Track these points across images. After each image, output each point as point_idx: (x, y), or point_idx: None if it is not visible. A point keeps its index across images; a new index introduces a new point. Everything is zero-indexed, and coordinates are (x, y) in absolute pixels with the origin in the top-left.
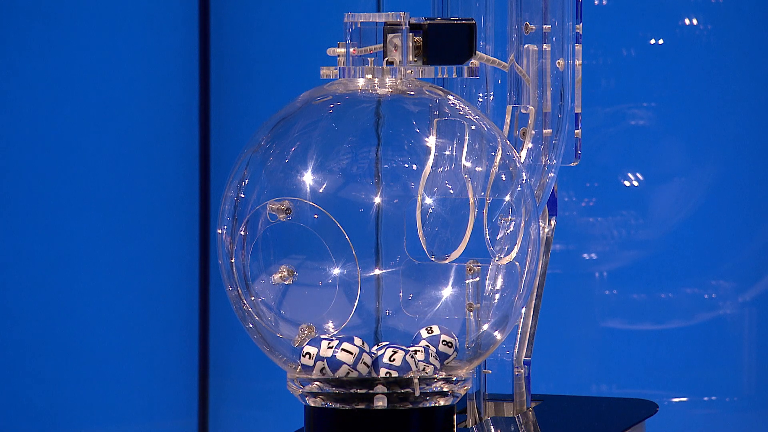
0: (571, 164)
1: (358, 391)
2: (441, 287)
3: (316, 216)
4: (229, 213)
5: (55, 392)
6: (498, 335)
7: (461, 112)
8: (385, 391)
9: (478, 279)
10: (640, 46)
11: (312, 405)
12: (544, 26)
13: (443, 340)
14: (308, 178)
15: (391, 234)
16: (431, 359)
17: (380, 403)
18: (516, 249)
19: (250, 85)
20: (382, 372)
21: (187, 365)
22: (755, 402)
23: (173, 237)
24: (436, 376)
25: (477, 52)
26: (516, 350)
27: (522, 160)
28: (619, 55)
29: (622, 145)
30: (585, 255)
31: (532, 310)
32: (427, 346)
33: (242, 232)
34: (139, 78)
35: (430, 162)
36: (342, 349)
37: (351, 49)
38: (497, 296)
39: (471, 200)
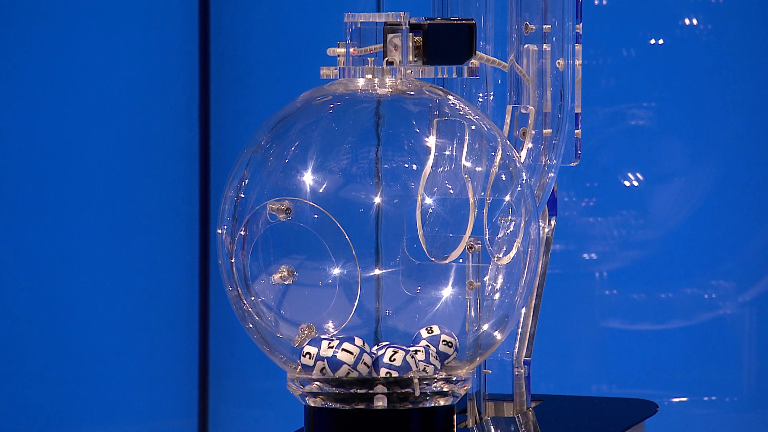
0: (571, 164)
1: (358, 391)
2: (441, 287)
3: (316, 216)
4: (229, 213)
5: (55, 392)
6: (498, 335)
7: (461, 112)
8: (385, 391)
9: (478, 284)
10: (640, 46)
11: (312, 405)
12: (544, 26)
13: (443, 340)
14: (308, 178)
15: (391, 234)
16: (432, 359)
17: (380, 403)
18: (516, 249)
19: (250, 85)
20: (382, 372)
21: (187, 365)
22: (755, 402)
23: (173, 237)
24: (436, 376)
25: (477, 52)
26: (516, 350)
27: (522, 160)
28: (619, 55)
29: (622, 145)
30: (585, 255)
31: (532, 310)
32: (427, 346)
33: (242, 232)
34: (139, 78)
35: (430, 162)
36: (342, 349)
37: (351, 49)
38: (497, 296)
39: (471, 200)
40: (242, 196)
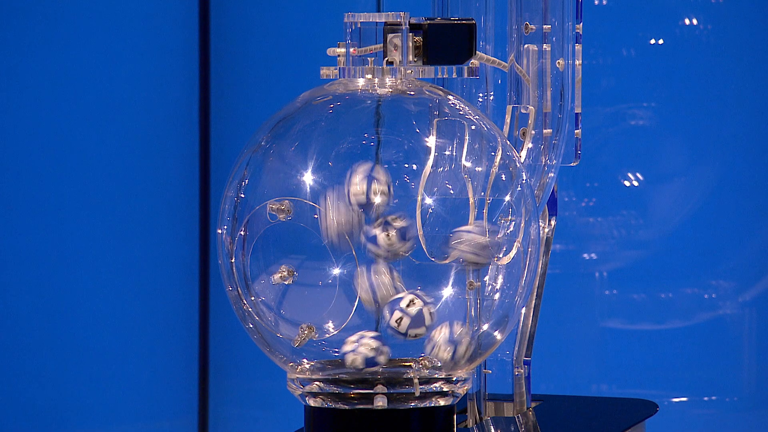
0: (571, 164)
1: (358, 391)
2: (441, 287)
3: (316, 216)
4: (229, 213)
5: (55, 392)
6: (498, 335)
7: (461, 112)
8: (385, 391)
9: (478, 284)
10: (640, 46)
11: (312, 405)
12: (544, 26)
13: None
14: (308, 178)
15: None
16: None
17: (380, 403)
18: (516, 249)
19: (250, 85)
20: (395, 316)
21: (187, 365)
22: (755, 402)
23: (173, 237)
24: (436, 375)
25: (477, 52)
26: (516, 350)
27: (522, 160)
28: (619, 55)
29: (622, 145)
30: (585, 255)
31: (532, 310)
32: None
33: (242, 232)
34: (139, 78)
35: (430, 162)
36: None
37: (351, 49)
38: (497, 296)
39: (471, 200)
40: (242, 196)
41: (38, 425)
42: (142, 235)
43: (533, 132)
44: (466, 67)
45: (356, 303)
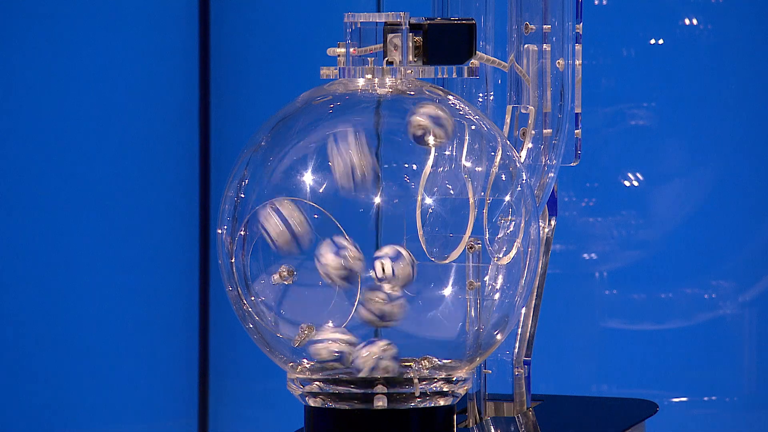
0: (571, 164)
1: (358, 391)
2: (441, 287)
3: (316, 216)
4: (229, 213)
5: (56, 392)
6: (498, 335)
7: (461, 112)
8: (385, 391)
9: (478, 284)
10: (640, 46)
11: (312, 405)
12: (544, 26)
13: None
14: (308, 178)
15: (391, 234)
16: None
17: (380, 403)
18: (516, 249)
19: (250, 85)
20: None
21: (187, 365)
22: (755, 402)
23: (173, 237)
24: (436, 375)
25: (477, 52)
26: (516, 350)
27: (522, 160)
28: (619, 55)
29: (622, 145)
30: (585, 255)
31: (532, 310)
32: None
33: (242, 232)
34: (139, 78)
35: (430, 162)
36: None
37: (351, 49)
38: (497, 296)
39: (471, 200)
40: (242, 196)
41: (38, 425)
42: (142, 235)
43: (533, 132)
44: (466, 67)
45: (356, 303)
